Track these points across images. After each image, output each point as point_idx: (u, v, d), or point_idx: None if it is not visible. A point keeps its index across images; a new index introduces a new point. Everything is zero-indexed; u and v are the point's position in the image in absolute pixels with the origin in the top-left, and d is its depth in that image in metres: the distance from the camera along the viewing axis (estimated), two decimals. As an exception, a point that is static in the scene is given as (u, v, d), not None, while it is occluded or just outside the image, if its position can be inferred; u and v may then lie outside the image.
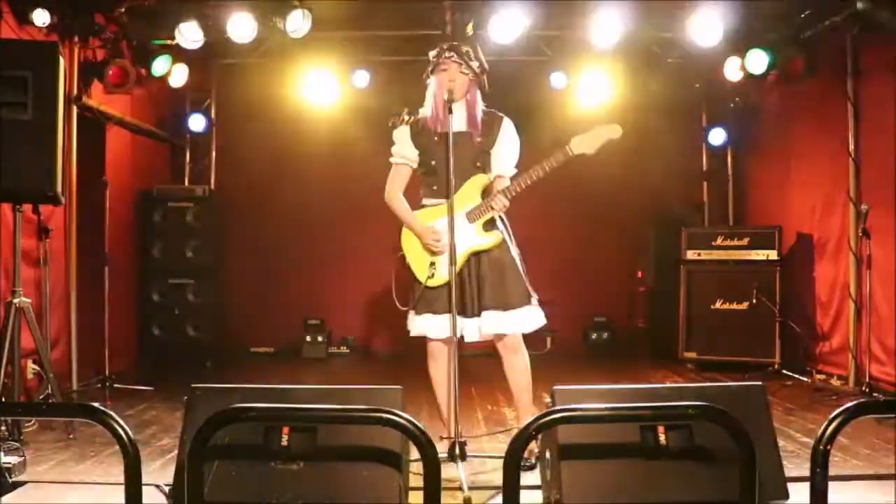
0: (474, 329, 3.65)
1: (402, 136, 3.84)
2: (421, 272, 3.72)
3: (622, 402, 2.99)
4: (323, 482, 2.86)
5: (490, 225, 3.73)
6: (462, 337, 3.65)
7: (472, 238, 3.67)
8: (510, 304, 3.65)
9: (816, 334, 6.45)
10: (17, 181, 3.88)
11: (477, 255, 3.69)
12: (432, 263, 3.68)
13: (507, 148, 3.77)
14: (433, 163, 3.72)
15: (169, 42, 6.32)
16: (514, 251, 3.77)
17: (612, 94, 7.31)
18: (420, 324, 3.73)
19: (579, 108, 7.44)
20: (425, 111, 3.79)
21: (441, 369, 3.81)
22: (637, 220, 7.99)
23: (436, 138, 3.70)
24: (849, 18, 5.46)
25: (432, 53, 3.75)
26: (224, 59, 7.58)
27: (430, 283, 3.66)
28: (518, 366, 3.74)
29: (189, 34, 5.88)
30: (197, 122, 7.88)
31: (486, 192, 3.74)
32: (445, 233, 3.62)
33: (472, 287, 3.67)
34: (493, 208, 3.66)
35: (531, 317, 3.70)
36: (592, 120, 7.09)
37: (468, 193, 3.70)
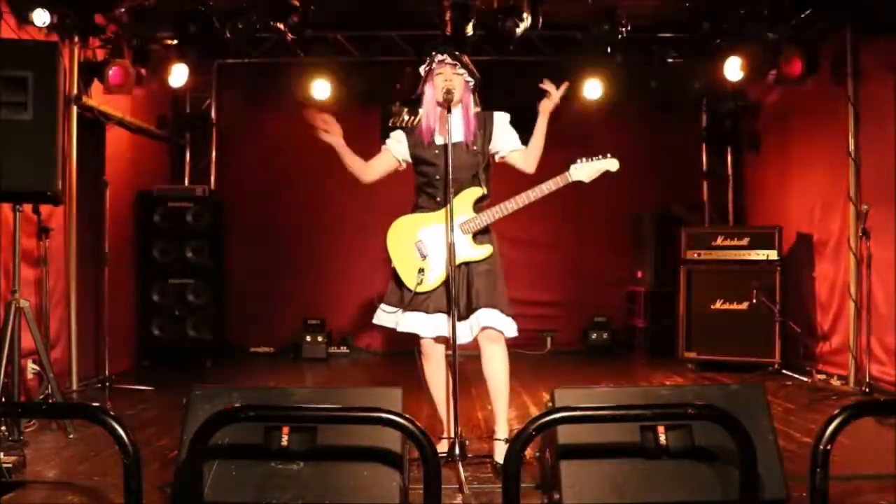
0: (466, 330, 3.64)
1: (399, 136, 3.85)
2: (408, 277, 3.70)
3: (622, 403, 2.99)
4: (323, 482, 2.86)
5: (482, 237, 3.73)
6: (447, 338, 3.65)
7: (464, 249, 3.64)
8: (501, 308, 3.65)
9: (816, 334, 6.44)
10: (17, 181, 3.88)
11: (467, 264, 3.68)
12: (421, 269, 3.68)
13: (506, 135, 3.77)
14: (435, 176, 3.72)
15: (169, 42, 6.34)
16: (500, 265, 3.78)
17: (612, 93, 7.30)
18: (409, 321, 3.71)
19: (580, 109, 7.42)
20: (421, 121, 3.78)
21: (434, 368, 3.81)
22: (637, 220, 7.98)
23: (436, 151, 3.70)
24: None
25: (423, 66, 3.75)
26: (224, 59, 7.59)
27: (420, 289, 3.67)
28: (499, 358, 3.69)
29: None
30: (197, 122, 7.87)
31: (479, 204, 3.73)
32: (429, 243, 3.67)
33: (462, 293, 3.65)
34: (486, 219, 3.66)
35: (512, 326, 3.70)
36: (592, 120, 7.26)
37: (462, 205, 3.67)
